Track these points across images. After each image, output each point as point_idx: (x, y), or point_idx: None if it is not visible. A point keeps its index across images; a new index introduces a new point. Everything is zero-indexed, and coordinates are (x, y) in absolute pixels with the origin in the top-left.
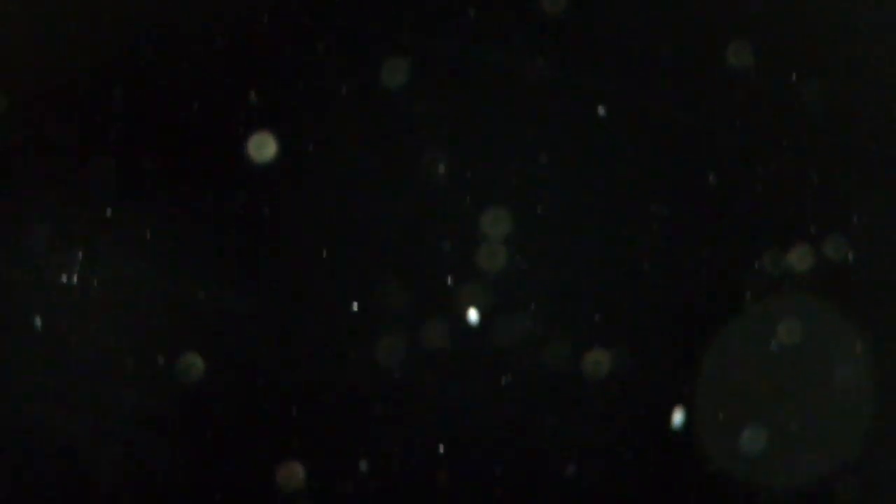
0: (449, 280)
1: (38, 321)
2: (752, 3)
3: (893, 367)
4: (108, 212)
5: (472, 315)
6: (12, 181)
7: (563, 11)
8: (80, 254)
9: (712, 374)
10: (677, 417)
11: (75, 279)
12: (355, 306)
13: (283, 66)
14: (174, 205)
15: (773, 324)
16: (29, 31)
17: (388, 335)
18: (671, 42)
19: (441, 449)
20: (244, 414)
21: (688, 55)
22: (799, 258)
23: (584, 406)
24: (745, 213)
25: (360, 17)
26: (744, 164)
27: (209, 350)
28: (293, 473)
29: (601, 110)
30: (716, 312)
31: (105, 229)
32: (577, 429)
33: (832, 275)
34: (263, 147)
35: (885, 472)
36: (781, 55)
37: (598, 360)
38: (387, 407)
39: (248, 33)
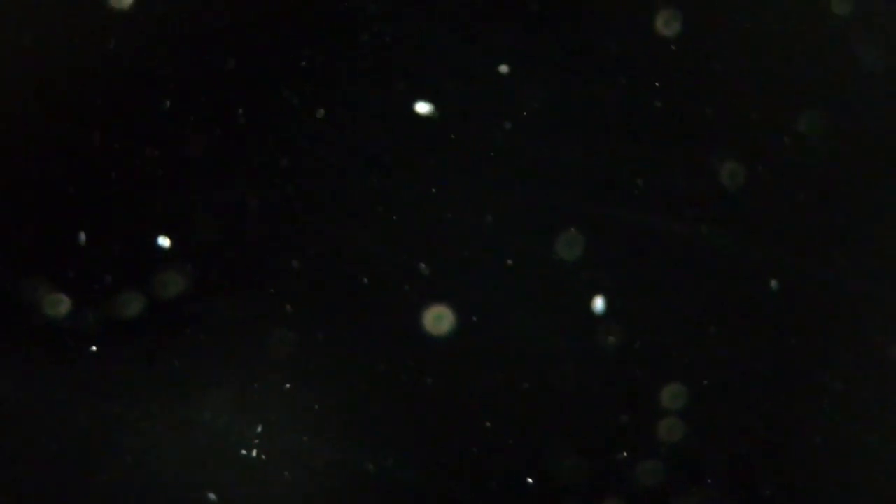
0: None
1: (212, 496)
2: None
3: None
4: (287, 386)
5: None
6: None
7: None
8: (259, 426)
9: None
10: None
11: (254, 451)
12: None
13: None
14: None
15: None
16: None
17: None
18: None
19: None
20: None
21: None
22: None
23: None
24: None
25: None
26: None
27: None
28: None
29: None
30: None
31: (284, 404)
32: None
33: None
34: (440, 321)
35: None
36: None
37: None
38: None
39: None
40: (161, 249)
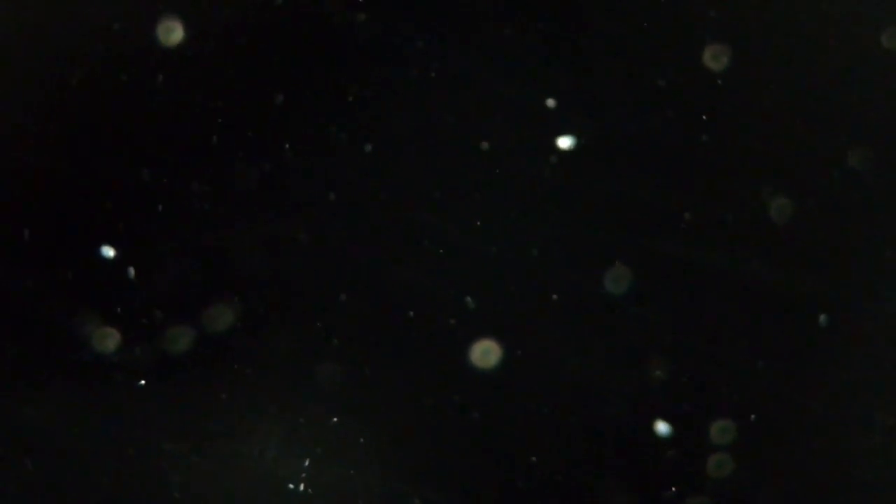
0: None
1: None
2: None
3: None
4: (333, 419)
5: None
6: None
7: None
8: (306, 461)
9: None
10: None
11: (301, 485)
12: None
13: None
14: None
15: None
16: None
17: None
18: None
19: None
20: None
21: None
22: None
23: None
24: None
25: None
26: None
27: None
28: None
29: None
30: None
31: (331, 438)
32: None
33: None
34: (486, 355)
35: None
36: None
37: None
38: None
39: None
40: (209, 284)
